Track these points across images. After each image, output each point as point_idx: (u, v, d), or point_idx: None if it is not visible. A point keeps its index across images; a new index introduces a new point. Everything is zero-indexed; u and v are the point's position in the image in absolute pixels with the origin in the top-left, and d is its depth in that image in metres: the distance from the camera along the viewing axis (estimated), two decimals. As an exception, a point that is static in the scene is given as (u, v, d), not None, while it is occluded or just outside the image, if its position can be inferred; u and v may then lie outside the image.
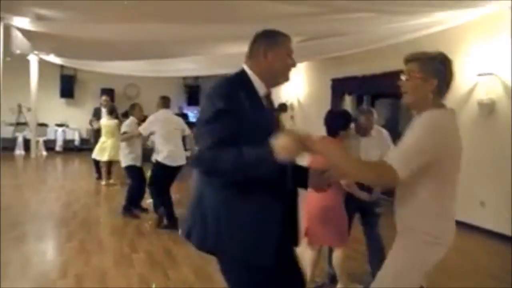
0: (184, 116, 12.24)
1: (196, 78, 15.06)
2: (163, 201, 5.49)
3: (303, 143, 1.74)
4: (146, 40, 8.48)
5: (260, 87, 1.95)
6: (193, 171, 2.06)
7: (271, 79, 1.98)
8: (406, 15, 5.60)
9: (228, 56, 9.78)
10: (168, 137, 5.52)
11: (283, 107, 7.78)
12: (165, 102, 5.82)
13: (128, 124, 6.31)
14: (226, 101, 1.79)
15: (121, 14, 7.31)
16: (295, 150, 1.72)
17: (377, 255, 3.51)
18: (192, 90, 15.49)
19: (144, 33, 7.63)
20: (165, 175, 5.51)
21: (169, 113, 5.88)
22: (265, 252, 1.81)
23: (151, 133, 5.68)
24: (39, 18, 7.46)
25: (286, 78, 2.02)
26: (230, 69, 8.25)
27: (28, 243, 4.81)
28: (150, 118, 5.71)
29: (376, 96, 8.98)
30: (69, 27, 8.06)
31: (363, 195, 3.40)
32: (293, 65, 1.99)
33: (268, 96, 2.01)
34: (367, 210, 3.66)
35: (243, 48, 7.12)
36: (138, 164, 6.19)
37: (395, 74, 2.13)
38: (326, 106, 9.73)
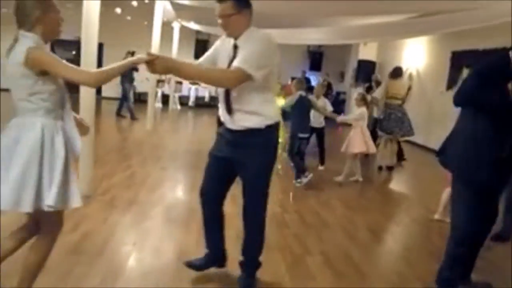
0: (307, 80, 13.18)
1: (320, 45, 15.85)
2: None
3: None
4: (277, 13, 9.51)
5: None
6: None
7: None
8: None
9: (348, 28, 10.48)
10: None
11: (398, 72, 7.83)
12: None
13: None
14: None
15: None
16: None
17: None
18: (315, 57, 16.42)
19: (277, 7, 8.65)
20: None
21: None
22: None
23: None
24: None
25: None
26: (350, 40, 9.01)
27: (191, 170, 6.21)
28: None
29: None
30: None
31: None
32: None
33: None
34: None
35: (362, 21, 7.84)
36: None
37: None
38: (444, 78, 10.01)
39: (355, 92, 14.30)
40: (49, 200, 2.09)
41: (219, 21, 2.53)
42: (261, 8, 8.65)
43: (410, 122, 7.63)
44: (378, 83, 9.30)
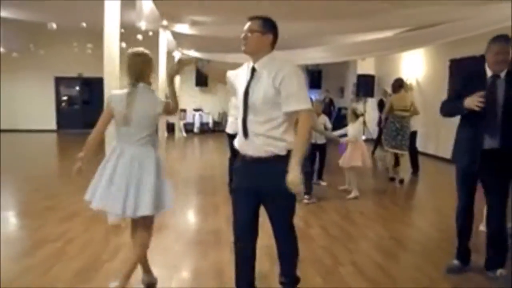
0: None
1: (318, 63, 16.11)
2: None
3: None
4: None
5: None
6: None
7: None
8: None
9: (345, 46, 10.80)
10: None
11: (398, 83, 7.81)
12: None
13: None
14: None
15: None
16: None
17: None
18: (314, 75, 16.76)
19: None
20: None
21: None
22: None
23: None
24: (193, 24, 9.18)
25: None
26: (347, 57, 9.15)
27: (207, 195, 6.38)
28: None
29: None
30: (214, 28, 9.73)
31: None
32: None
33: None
34: None
35: (358, 38, 8.06)
36: None
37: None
38: (444, 86, 10.24)
39: (357, 107, 14.65)
40: (170, 204, 3.00)
41: (242, 35, 2.60)
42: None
43: (407, 136, 7.55)
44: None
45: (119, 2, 4.65)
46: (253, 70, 2.60)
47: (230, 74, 2.90)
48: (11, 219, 5.16)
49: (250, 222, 2.71)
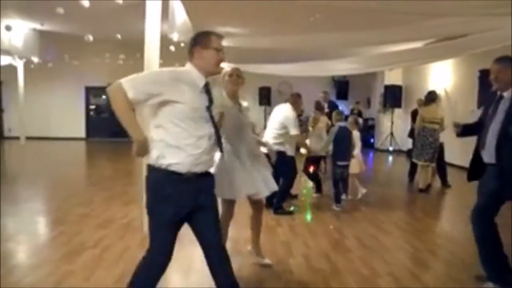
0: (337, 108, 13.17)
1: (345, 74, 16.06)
2: None
3: None
4: (302, 48, 9.87)
5: None
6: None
7: None
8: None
9: (372, 57, 10.74)
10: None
11: (431, 96, 7.81)
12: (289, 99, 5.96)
13: None
14: None
15: (286, 27, 8.74)
16: None
17: None
18: (341, 86, 16.52)
19: (301, 43, 9.01)
20: None
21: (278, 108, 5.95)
22: None
23: None
24: (225, 35, 9.28)
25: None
26: (375, 68, 9.03)
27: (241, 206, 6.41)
28: None
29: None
30: (246, 40, 9.85)
31: None
32: None
33: None
34: None
35: (385, 49, 7.97)
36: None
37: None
38: (473, 97, 10.10)
39: (384, 117, 14.55)
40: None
41: (222, 54, 2.52)
42: (286, 44, 9.03)
43: (436, 149, 7.56)
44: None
45: (159, 14, 4.79)
46: (208, 85, 2.52)
47: (169, 75, 2.45)
48: (49, 225, 5.33)
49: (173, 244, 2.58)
